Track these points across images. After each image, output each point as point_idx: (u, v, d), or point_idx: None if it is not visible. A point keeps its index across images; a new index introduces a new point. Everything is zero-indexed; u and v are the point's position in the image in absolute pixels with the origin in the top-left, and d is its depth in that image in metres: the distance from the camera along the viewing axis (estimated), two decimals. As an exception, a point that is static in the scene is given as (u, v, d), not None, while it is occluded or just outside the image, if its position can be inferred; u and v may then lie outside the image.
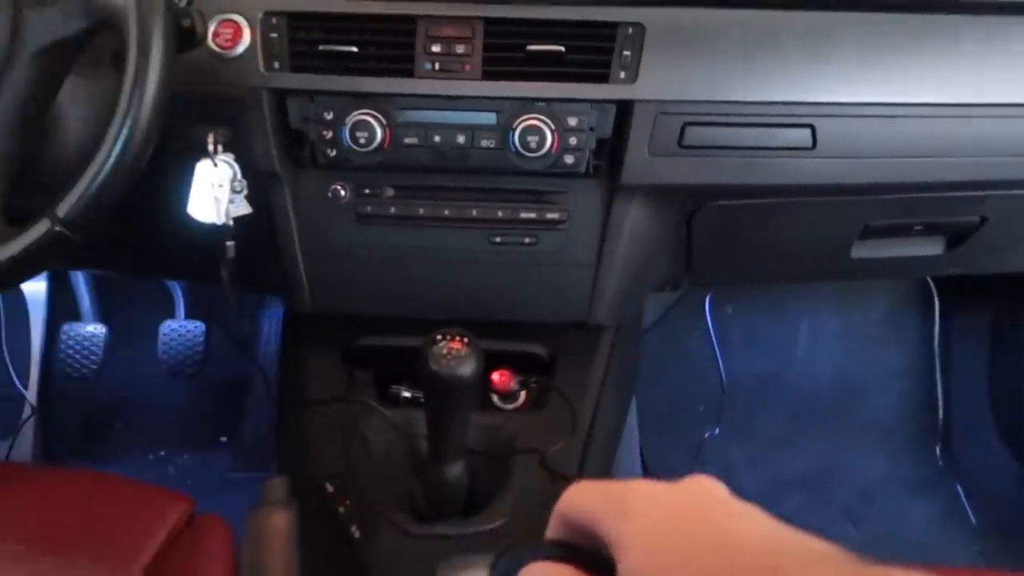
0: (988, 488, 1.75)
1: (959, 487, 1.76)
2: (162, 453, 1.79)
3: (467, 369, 0.88)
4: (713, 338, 1.84)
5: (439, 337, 0.90)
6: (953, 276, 1.76)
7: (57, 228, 0.79)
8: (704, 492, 0.47)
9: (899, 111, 1.04)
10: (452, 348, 0.88)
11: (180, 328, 1.83)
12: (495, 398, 1.14)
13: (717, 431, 1.79)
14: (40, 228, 0.79)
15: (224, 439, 1.80)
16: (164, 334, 1.82)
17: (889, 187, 1.10)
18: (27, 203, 0.83)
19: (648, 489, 0.48)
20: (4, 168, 0.82)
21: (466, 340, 0.89)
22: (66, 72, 0.86)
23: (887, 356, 1.91)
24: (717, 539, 0.43)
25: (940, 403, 1.85)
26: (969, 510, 1.73)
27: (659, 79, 1.00)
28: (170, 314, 1.86)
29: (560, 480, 1.03)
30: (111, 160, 0.78)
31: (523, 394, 1.15)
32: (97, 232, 0.82)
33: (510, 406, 1.14)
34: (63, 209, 0.79)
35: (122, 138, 0.78)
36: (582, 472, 1.06)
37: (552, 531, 0.52)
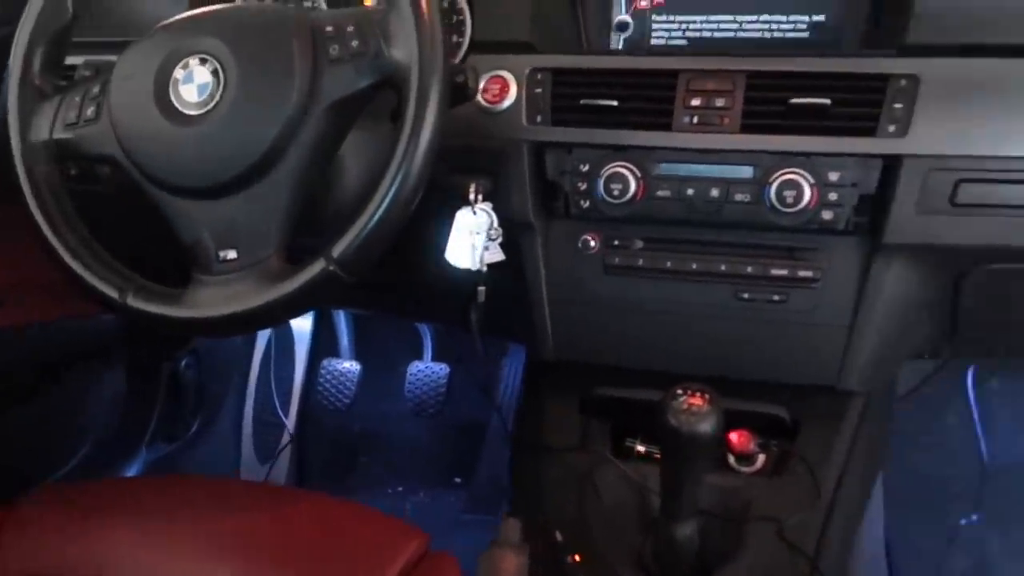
0: None
1: None
2: (400, 489, 1.87)
3: (706, 426, 0.86)
4: (975, 415, 1.69)
5: (679, 392, 0.89)
6: None
7: (331, 268, 0.84)
8: None
9: None
10: (692, 404, 0.87)
11: (426, 369, 1.92)
12: (732, 459, 1.10)
13: (975, 518, 1.64)
14: (316, 267, 0.84)
15: (458, 480, 1.86)
16: (411, 374, 1.92)
17: None
18: (304, 244, 0.91)
19: None
20: (291, 211, 0.89)
21: (707, 396, 0.88)
22: (352, 124, 0.93)
23: None
24: None
25: None
26: None
27: (932, 133, 0.95)
28: (418, 355, 1.95)
29: (797, 554, 0.97)
30: (384, 205, 0.83)
31: (761, 457, 1.10)
32: (366, 274, 0.87)
33: (746, 469, 1.10)
34: (338, 250, 0.84)
35: (395, 185, 0.83)
36: (820, 547, 0.99)
37: None
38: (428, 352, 1.96)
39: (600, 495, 1.07)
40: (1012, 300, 1.09)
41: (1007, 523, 1.64)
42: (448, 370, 1.91)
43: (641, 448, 1.15)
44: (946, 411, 1.73)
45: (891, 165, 0.96)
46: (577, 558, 1.00)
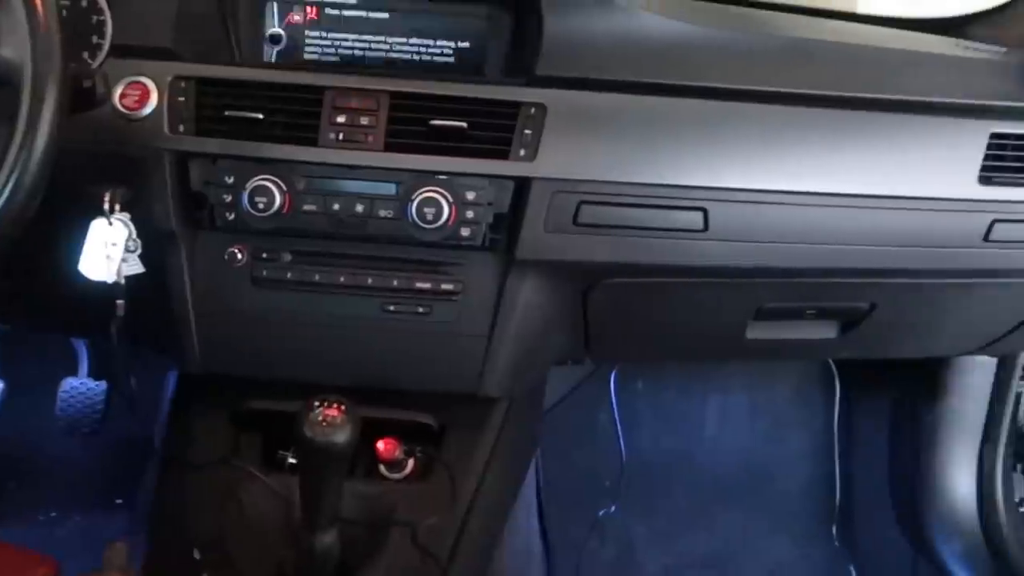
0: (881, 569, 1.77)
1: (852, 569, 1.79)
2: (53, 514, 1.73)
3: (341, 437, 0.88)
4: (615, 414, 1.86)
5: (316, 403, 0.90)
6: (854, 359, 1.81)
7: None
8: None
9: (789, 199, 1.09)
10: (328, 415, 0.88)
11: (81, 386, 1.79)
12: (383, 467, 1.13)
13: (613, 508, 1.80)
14: None
15: (119, 501, 1.75)
16: (64, 391, 1.78)
17: (779, 271, 1.13)
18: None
19: None
20: None
21: (343, 408, 0.89)
22: None
23: (793, 437, 1.94)
24: None
25: (838, 485, 1.88)
26: (861, 593, 1.76)
27: (557, 158, 1.04)
28: (72, 371, 1.82)
29: (429, 559, 1.01)
30: None
31: (411, 464, 1.14)
32: None
33: (396, 475, 1.13)
34: None
35: (6, 192, 0.77)
36: (456, 550, 1.04)
37: None
38: (83, 367, 1.83)
39: (244, 510, 1.05)
40: (632, 311, 1.21)
41: (645, 512, 1.82)
42: (106, 386, 1.79)
43: (293, 460, 1.15)
44: (598, 411, 1.88)
45: (522, 186, 1.04)
46: (207, 572, 0.98)
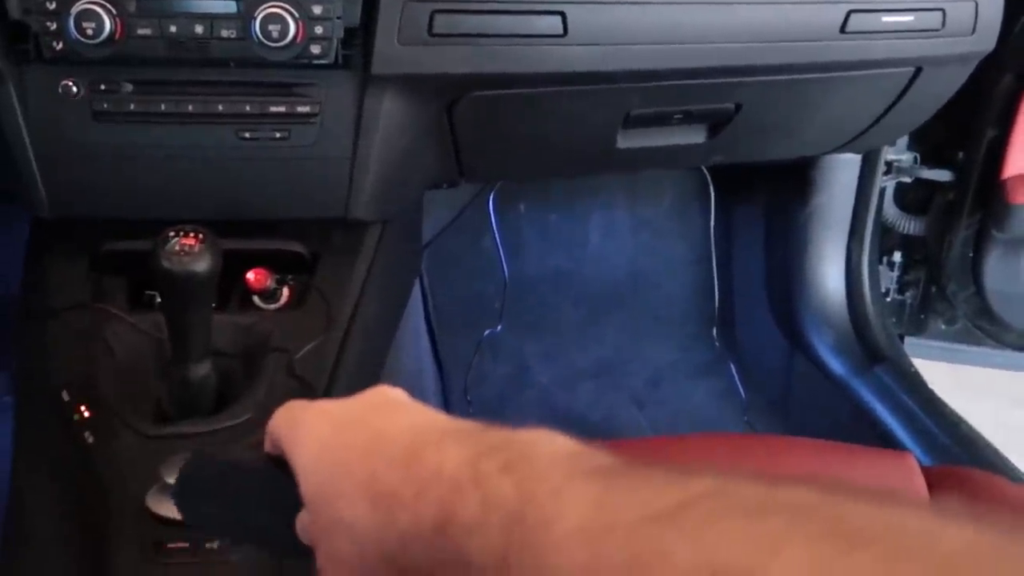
0: (760, 365, 1.88)
1: (732, 366, 1.89)
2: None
3: (202, 265, 0.85)
4: (496, 236, 1.87)
5: (172, 233, 0.86)
6: (729, 167, 1.84)
7: None
8: (373, 400, 0.49)
9: None
10: (186, 244, 0.85)
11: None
12: (256, 299, 1.11)
13: (500, 328, 1.84)
14: None
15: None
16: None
17: (642, 74, 1.12)
18: None
19: (319, 408, 0.49)
20: None
21: (201, 236, 0.86)
22: None
23: (675, 247, 2.00)
24: (370, 440, 0.44)
25: (716, 290, 1.96)
26: (740, 386, 1.86)
27: None
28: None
29: (307, 386, 1.01)
30: None
31: (286, 293, 1.12)
32: None
33: (273, 306, 1.12)
34: None
35: None
36: (336, 372, 1.05)
37: (268, 446, 0.53)
38: None
39: (112, 350, 1.03)
40: (500, 126, 1.19)
41: (533, 329, 1.87)
42: None
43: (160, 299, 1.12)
44: (483, 235, 1.89)
45: None
46: (85, 412, 0.96)
